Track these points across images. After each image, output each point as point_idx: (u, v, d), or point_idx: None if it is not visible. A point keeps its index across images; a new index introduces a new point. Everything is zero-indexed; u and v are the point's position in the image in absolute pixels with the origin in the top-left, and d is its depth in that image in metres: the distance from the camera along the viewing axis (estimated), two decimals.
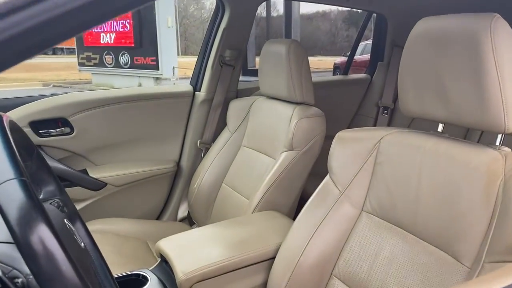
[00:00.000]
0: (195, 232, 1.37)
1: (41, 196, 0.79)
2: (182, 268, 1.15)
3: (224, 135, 1.94)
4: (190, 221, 2.02)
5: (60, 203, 0.80)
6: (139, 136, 2.00)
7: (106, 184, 1.88)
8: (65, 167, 1.80)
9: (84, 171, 1.86)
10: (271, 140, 1.68)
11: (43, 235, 0.46)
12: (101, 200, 1.89)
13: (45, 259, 0.46)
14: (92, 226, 1.70)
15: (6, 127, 0.65)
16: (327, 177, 1.19)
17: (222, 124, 2.02)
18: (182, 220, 2.07)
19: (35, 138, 1.75)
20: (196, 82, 2.11)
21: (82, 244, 0.66)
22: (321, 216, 1.14)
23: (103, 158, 1.94)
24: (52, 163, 1.77)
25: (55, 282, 0.46)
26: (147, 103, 1.98)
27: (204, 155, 2.03)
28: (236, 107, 1.95)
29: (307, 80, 1.61)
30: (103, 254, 1.54)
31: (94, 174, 1.87)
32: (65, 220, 0.71)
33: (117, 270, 1.38)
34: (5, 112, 1.69)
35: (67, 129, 1.82)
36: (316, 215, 1.16)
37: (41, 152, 0.78)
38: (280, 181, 1.54)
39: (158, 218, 2.08)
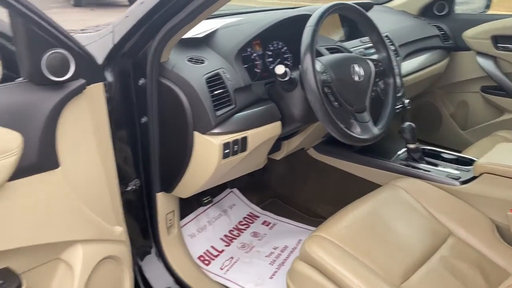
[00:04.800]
0: None
1: (376, 57, 1.38)
2: (486, 157, 1.40)
3: None
4: None
5: (383, 65, 1.37)
6: None
7: None
8: (506, 79, 2.11)
9: None
10: None
11: (307, 59, 1.13)
12: None
13: (304, 70, 1.13)
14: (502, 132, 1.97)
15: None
16: None
17: None
18: None
19: (492, 50, 2.14)
20: None
21: (357, 78, 1.24)
22: None
23: None
24: (496, 73, 2.13)
25: (304, 80, 1.13)
26: None
27: None
28: None
29: None
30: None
31: None
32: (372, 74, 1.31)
33: None
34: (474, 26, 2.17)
35: None
36: None
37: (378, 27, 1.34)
38: None
39: None
